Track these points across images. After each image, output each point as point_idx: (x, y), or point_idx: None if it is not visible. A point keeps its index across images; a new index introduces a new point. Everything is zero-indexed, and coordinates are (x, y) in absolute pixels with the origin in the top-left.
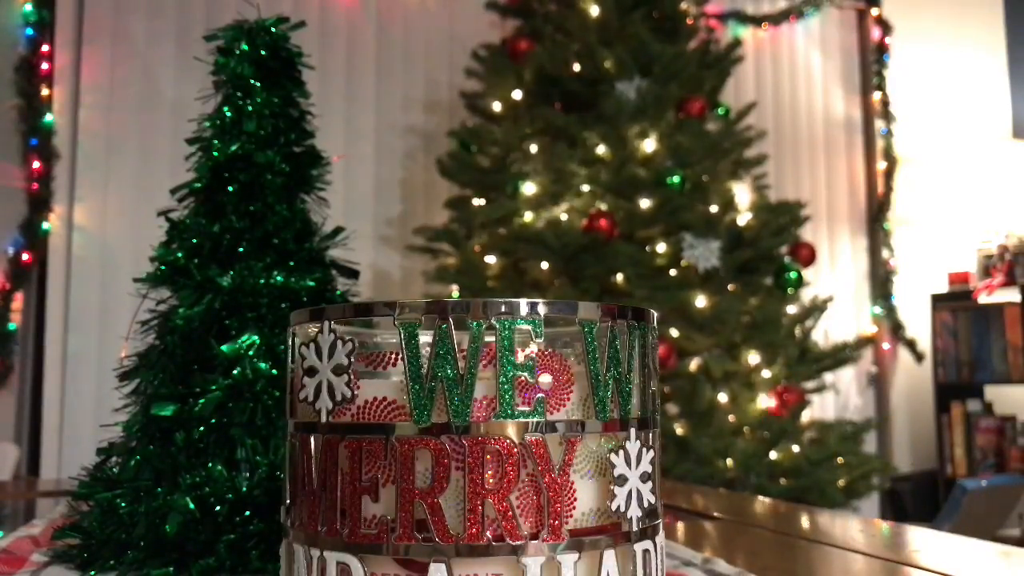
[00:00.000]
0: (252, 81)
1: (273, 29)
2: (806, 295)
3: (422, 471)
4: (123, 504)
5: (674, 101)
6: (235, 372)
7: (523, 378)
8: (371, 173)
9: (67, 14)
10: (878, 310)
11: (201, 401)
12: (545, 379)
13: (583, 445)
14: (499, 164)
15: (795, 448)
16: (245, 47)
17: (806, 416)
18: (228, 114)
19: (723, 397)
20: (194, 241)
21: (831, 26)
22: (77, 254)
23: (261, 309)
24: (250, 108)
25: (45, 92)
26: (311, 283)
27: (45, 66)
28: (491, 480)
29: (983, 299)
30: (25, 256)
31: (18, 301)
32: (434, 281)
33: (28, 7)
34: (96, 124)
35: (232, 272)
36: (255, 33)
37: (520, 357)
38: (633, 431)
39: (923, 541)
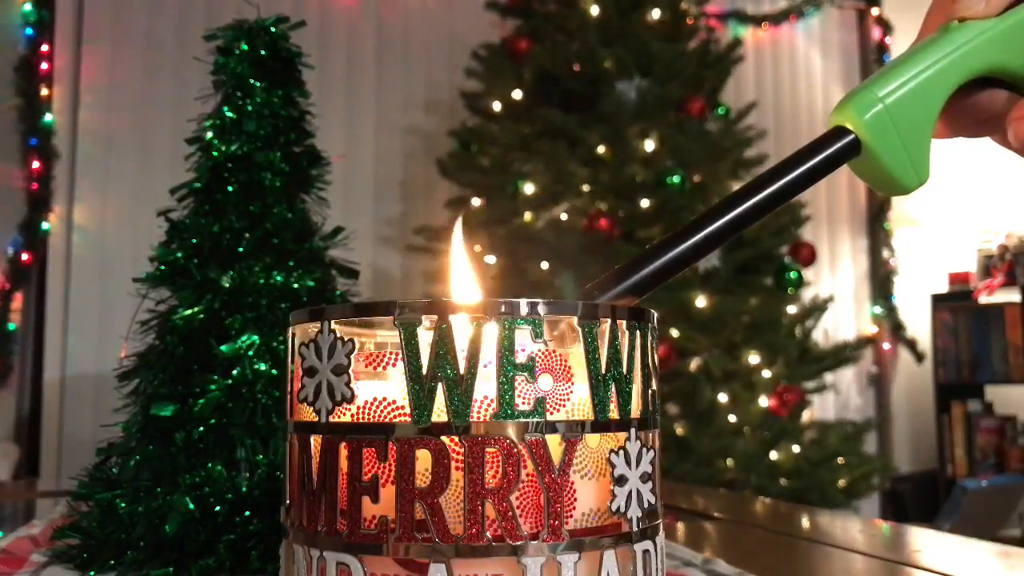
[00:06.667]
0: (252, 81)
1: (273, 29)
2: (806, 295)
3: (422, 471)
4: (123, 504)
5: (674, 101)
6: (235, 372)
7: (523, 378)
8: (371, 173)
9: (67, 14)
10: (878, 310)
11: (201, 401)
12: (545, 379)
13: (583, 445)
14: (499, 164)
15: (795, 448)
16: (245, 47)
17: (806, 416)
18: (228, 114)
19: (723, 397)
20: (194, 241)
21: (831, 26)
22: (77, 254)
23: (261, 309)
24: (250, 108)
25: (45, 92)
26: (311, 283)
27: (45, 66)
28: (491, 480)
29: (983, 299)
30: (25, 256)
31: (18, 301)
32: (434, 281)
33: (28, 7)
34: (96, 124)
35: (232, 272)
36: (255, 33)
37: (520, 357)
38: (633, 431)
39: (923, 541)
